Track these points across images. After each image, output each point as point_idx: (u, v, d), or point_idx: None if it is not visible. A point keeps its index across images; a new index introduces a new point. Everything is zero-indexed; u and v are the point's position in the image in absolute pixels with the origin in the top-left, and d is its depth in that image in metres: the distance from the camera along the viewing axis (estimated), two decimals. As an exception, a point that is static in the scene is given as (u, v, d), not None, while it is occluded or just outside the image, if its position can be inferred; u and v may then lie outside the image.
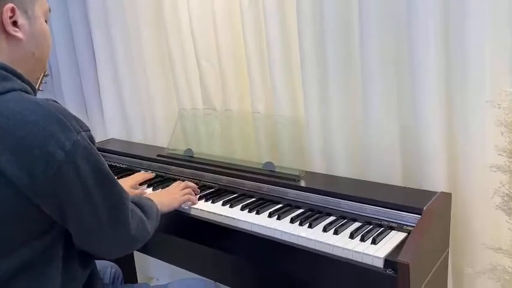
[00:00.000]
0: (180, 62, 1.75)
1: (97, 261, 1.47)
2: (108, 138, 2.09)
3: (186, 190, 1.39)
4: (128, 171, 1.74)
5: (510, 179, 0.83)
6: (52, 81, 2.32)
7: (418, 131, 1.25)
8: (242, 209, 1.32)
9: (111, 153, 1.86)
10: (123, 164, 1.81)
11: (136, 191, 1.47)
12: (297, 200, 1.33)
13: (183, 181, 1.49)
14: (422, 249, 1.02)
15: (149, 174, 1.61)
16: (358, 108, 1.36)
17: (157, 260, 2.00)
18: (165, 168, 1.66)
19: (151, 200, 1.20)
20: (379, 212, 1.18)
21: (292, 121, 1.47)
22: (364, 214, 1.20)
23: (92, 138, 0.93)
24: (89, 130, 0.92)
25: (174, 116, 1.76)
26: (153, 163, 1.71)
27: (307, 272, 1.14)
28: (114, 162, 1.84)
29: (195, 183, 1.53)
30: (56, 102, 0.93)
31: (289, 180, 1.37)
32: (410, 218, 1.13)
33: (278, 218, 1.24)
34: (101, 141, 2.01)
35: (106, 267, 1.45)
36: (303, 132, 1.44)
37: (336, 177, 1.41)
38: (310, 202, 1.31)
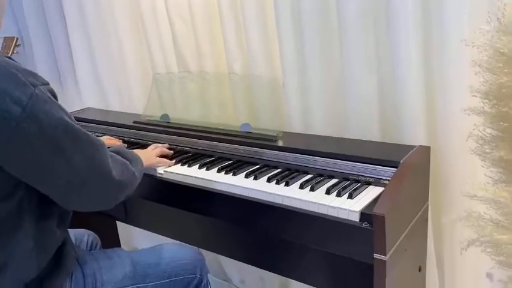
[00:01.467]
0: (152, 24, 1.69)
1: (73, 230, 1.46)
2: (84, 107, 2.03)
3: (161, 152, 1.36)
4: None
5: (484, 120, 0.80)
6: (24, 51, 2.24)
7: (396, 84, 1.21)
8: (219, 171, 1.29)
9: (86, 122, 1.81)
10: (99, 132, 1.76)
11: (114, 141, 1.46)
12: (274, 160, 1.30)
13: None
14: (398, 202, 1.00)
15: (116, 141, 1.57)
16: (335, 64, 1.32)
17: (142, 230, 1.99)
18: (142, 134, 1.62)
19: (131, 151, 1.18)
20: (356, 167, 1.16)
21: (269, 81, 1.43)
22: (341, 171, 1.18)
23: (52, 92, 0.89)
24: (48, 84, 0.87)
25: (150, 82, 1.71)
26: (129, 130, 1.66)
27: (286, 230, 1.12)
28: (90, 131, 1.78)
29: (172, 149, 1.50)
30: (10, 58, 0.88)
31: (266, 141, 1.34)
32: (388, 172, 1.11)
33: (255, 178, 1.22)
34: (77, 111, 1.95)
35: (82, 235, 1.42)
36: (280, 92, 1.40)
37: (313, 136, 1.38)
38: (287, 162, 1.28)
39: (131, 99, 1.88)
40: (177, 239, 1.76)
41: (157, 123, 1.62)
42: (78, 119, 1.87)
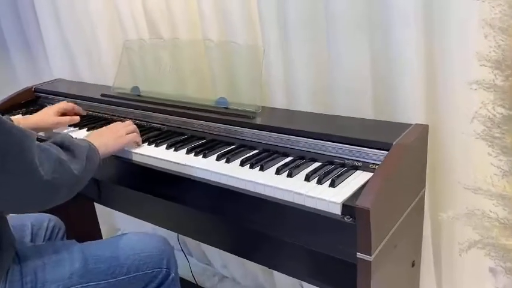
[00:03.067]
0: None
1: (32, 215, 1.32)
2: (55, 79, 1.87)
3: (131, 127, 1.20)
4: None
5: (494, 97, 0.64)
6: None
7: (390, 52, 1.04)
8: (188, 152, 1.13)
9: (51, 94, 1.66)
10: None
11: (65, 119, 1.31)
12: (251, 139, 1.15)
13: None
14: (388, 191, 0.85)
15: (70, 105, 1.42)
16: (322, 31, 1.14)
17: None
18: (109, 109, 1.46)
19: (85, 140, 1.02)
20: (342, 149, 1.00)
21: (249, 49, 1.25)
22: (325, 153, 1.02)
23: None
24: None
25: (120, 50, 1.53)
26: (97, 104, 1.50)
27: (260, 221, 0.97)
28: (57, 105, 1.64)
29: (142, 126, 1.35)
30: None
31: (243, 118, 1.17)
32: (379, 156, 0.95)
33: (227, 161, 1.06)
34: (46, 82, 1.79)
35: (42, 221, 1.29)
36: (261, 62, 1.22)
37: (296, 112, 1.21)
38: (265, 142, 1.12)
39: (102, 69, 1.71)
40: (153, 223, 1.63)
41: (126, 97, 1.46)
42: (44, 91, 1.73)
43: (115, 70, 1.62)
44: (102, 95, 1.50)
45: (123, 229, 2.19)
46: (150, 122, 1.36)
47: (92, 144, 1.01)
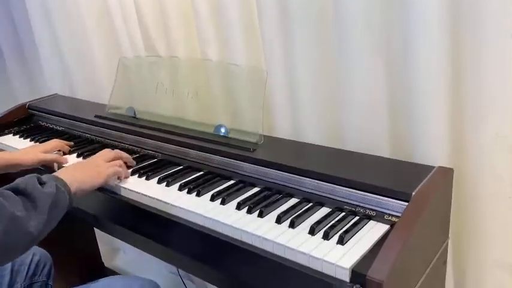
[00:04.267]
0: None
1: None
2: (52, 93, 1.77)
3: (116, 162, 1.09)
4: (64, 135, 1.44)
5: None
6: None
7: (412, 77, 0.91)
8: (180, 188, 1.02)
9: (43, 112, 1.56)
10: (59, 126, 1.51)
11: (50, 156, 1.18)
12: (251, 175, 1.02)
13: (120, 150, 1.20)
14: (406, 257, 0.72)
15: (63, 144, 1.28)
16: (332, 51, 1.01)
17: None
18: (104, 132, 1.36)
19: (54, 179, 0.90)
20: (353, 195, 0.87)
21: (250, 71, 1.13)
22: (335, 197, 0.90)
23: None
24: None
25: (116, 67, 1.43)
26: (90, 126, 1.40)
27: (257, 277, 0.85)
28: (52, 124, 1.54)
29: (136, 152, 1.24)
30: None
31: (243, 151, 1.05)
32: (395, 205, 0.82)
33: (222, 202, 0.94)
34: (40, 98, 1.69)
35: (25, 256, 1.18)
36: (263, 84, 1.10)
37: (302, 144, 1.08)
38: (267, 179, 1.00)
39: (98, 85, 1.61)
40: (151, 254, 1.52)
41: (121, 119, 1.35)
42: (37, 109, 1.63)
43: (111, 87, 1.52)
44: (96, 116, 1.40)
45: (124, 250, 2.09)
46: (144, 149, 1.25)
47: (62, 185, 0.89)
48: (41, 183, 0.87)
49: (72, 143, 1.31)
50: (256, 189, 1.00)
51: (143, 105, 1.35)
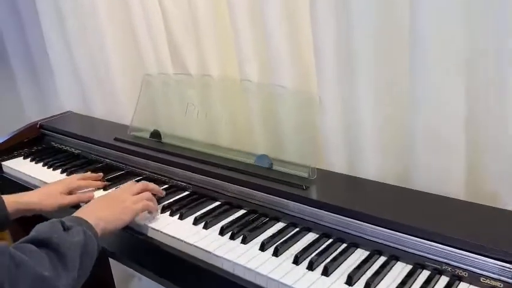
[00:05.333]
0: (139, 10, 1.25)
1: None
2: (65, 111, 1.63)
3: (144, 195, 0.95)
4: (80, 159, 1.30)
5: None
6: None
7: (501, 108, 0.77)
8: (222, 232, 0.87)
9: (56, 133, 1.42)
10: (74, 149, 1.37)
11: (73, 200, 1.02)
12: (305, 217, 0.88)
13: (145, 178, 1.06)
14: None
15: (93, 183, 1.11)
16: (400, 68, 0.86)
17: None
18: (125, 158, 1.21)
19: (78, 221, 0.77)
20: (434, 249, 0.72)
21: (299, 95, 0.99)
22: (412, 251, 0.75)
23: None
24: None
25: (138, 85, 1.29)
26: (110, 150, 1.26)
27: None
28: (66, 146, 1.40)
29: (164, 181, 1.10)
30: None
31: (294, 187, 0.91)
32: (494, 266, 0.67)
33: (275, 253, 0.80)
34: (52, 117, 1.55)
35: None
36: (315, 111, 0.95)
37: (362, 181, 0.93)
38: (324, 223, 0.85)
39: (117, 104, 1.47)
40: None
41: (144, 144, 1.21)
42: (50, 129, 1.49)
43: (131, 106, 1.38)
44: (117, 140, 1.26)
45: (139, 277, 1.94)
46: (173, 179, 1.10)
47: (88, 229, 0.77)
48: (66, 229, 0.74)
49: (101, 175, 1.14)
50: (313, 236, 0.85)
51: (170, 128, 1.21)
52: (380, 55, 0.87)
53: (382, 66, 0.88)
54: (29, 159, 1.35)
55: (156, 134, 1.23)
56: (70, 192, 1.03)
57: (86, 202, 1.02)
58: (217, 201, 1.01)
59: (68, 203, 1.01)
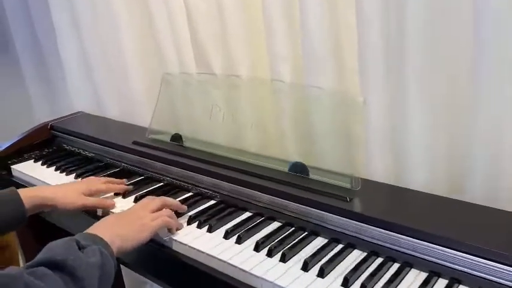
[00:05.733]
0: (159, 2, 1.17)
1: None
2: (76, 111, 1.55)
3: (163, 212, 0.87)
4: (95, 163, 1.22)
5: None
6: (4, 28, 1.77)
7: None
8: (258, 247, 0.79)
9: (68, 134, 1.34)
10: (88, 152, 1.29)
11: (94, 202, 0.95)
12: (348, 232, 0.80)
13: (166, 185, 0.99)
14: None
15: (113, 186, 1.03)
16: (456, 77, 0.78)
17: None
18: (144, 163, 1.13)
19: (94, 239, 0.70)
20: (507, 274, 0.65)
21: (339, 96, 0.91)
22: (477, 273, 0.67)
23: None
24: None
25: (157, 84, 1.21)
26: (126, 154, 1.18)
27: None
28: (78, 149, 1.32)
29: (187, 188, 1.02)
30: None
31: (335, 199, 0.83)
32: None
33: (321, 274, 0.72)
34: (64, 117, 1.47)
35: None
36: (357, 114, 0.88)
37: (412, 193, 0.85)
38: (370, 239, 0.77)
39: (132, 104, 1.39)
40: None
41: (165, 147, 1.13)
42: (61, 130, 1.41)
43: (149, 107, 1.31)
44: (135, 143, 1.18)
45: (152, 284, 1.86)
46: (198, 186, 1.02)
47: (104, 247, 0.70)
48: (81, 248, 0.67)
49: (124, 181, 1.06)
50: (360, 253, 0.77)
51: (193, 131, 1.13)
52: (434, 56, 0.79)
53: (436, 68, 0.80)
54: (40, 162, 1.27)
55: (177, 138, 1.15)
56: (90, 195, 0.96)
57: (106, 209, 0.95)
58: (247, 211, 0.93)
59: (91, 205, 0.94)
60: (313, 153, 0.94)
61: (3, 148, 1.31)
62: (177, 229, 0.87)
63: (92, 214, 0.95)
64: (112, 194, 1.02)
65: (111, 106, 1.46)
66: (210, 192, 1.00)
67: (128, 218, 0.83)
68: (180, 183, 1.05)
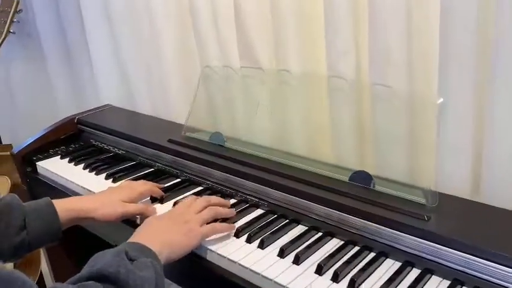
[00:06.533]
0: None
1: None
2: (104, 104, 1.46)
3: (209, 213, 0.78)
4: (125, 162, 1.13)
5: None
6: (27, 17, 1.68)
7: None
8: (320, 270, 0.69)
9: (96, 130, 1.25)
10: (118, 149, 1.20)
11: (135, 209, 0.85)
12: (425, 255, 0.69)
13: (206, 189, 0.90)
14: None
15: (155, 189, 0.94)
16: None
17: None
18: (180, 163, 1.04)
19: (144, 250, 0.64)
20: None
21: (410, 97, 0.80)
22: None
23: None
24: None
25: (195, 78, 1.11)
26: (161, 154, 1.08)
27: None
28: (107, 145, 1.23)
29: (229, 194, 0.92)
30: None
31: (408, 216, 0.72)
32: None
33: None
34: (91, 111, 1.38)
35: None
36: (431, 118, 0.76)
37: (500, 211, 0.74)
38: (455, 266, 0.66)
39: (166, 98, 1.29)
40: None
41: (204, 147, 1.03)
42: (88, 125, 1.32)
43: (185, 102, 1.21)
44: (171, 141, 1.08)
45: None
46: (242, 192, 0.92)
47: (154, 258, 0.63)
48: (130, 260, 0.60)
49: (162, 186, 0.97)
50: (440, 281, 0.66)
51: (235, 131, 1.03)
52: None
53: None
54: (67, 159, 1.18)
55: (217, 137, 1.05)
56: (131, 202, 0.86)
57: (149, 216, 0.85)
58: (300, 224, 0.83)
59: (132, 213, 0.84)
60: (378, 160, 0.82)
61: (28, 143, 1.23)
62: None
63: (131, 223, 0.86)
64: (148, 198, 0.93)
65: (142, 99, 1.36)
66: (256, 199, 0.90)
67: (173, 221, 0.75)
68: (221, 187, 0.95)
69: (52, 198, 0.82)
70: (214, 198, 0.85)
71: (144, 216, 0.84)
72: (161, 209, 0.90)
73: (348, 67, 0.85)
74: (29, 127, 1.83)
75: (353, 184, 0.82)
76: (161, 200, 0.92)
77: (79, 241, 1.08)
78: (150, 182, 0.95)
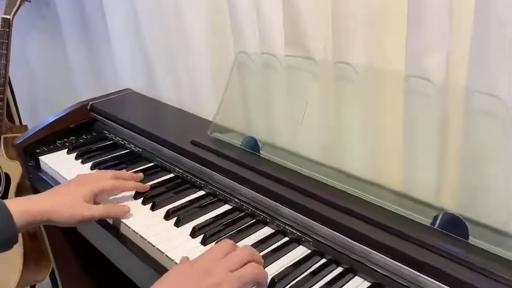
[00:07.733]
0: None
1: None
2: (123, 88, 1.27)
3: (248, 269, 0.56)
4: (141, 162, 0.94)
5: None
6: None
7: None
8: None
9: (109, 120, 1.07)
10: (134, 145, 1.01)
11: (97, 212, 0.72)
12: None
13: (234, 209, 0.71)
14: None
15: (129, 184, 0.80)
16: None
17: None
18: (204, 173, 0.83)
19: None
20: None
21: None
22: None
23: None
24: None
25: (227, 66, 0.89)
26: (182, 158, 0.88)
27: None
28: (122, 140, 1.04)
29: (262, 222, 0.72)
30: None
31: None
32: None
33: None
34: (107, 96, 1.19)
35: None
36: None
37: None
38: None
39: (192, 86, 1.08)
40: None
41: (234, 155, 0.82)
42: (101, 113, 1.11)
43: (214, 93, 1.00)
44: (194, 144, 0.87)
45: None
46: (279, 221, 0.71)
47: None
48: None
49: (141, 175, 0.83)
50: None
51: (274, 136, 0.81)
52: None
53: None
54: (75, 154, 1.00)
55: (251, 143, 0.83)
56: (96, 199, 0.74)
57: (120, 218, 0.73)
58: (357, 275, 0.61)
59: (91, 218, 0.71)
60: (475, 198, 0.59)
61: (32, 133, 1.05)
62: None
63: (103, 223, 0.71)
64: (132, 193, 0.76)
65: (165, 87, 1.16)
66: (298, 233, 0.68)
67: (194, 280, 0.53)
68: (252, 209, 0.74)
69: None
70: (257, 255, 0.60)
71: (114, 219, 0.72)
72: (152, 215, 0.72)
73: (436, 67, 0.61)
74: (48, 103, 1.69)
75: (439, 231, 0.59)
76: (153, 207, 0.76)
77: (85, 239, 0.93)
78: (129, 173, 0.82)
